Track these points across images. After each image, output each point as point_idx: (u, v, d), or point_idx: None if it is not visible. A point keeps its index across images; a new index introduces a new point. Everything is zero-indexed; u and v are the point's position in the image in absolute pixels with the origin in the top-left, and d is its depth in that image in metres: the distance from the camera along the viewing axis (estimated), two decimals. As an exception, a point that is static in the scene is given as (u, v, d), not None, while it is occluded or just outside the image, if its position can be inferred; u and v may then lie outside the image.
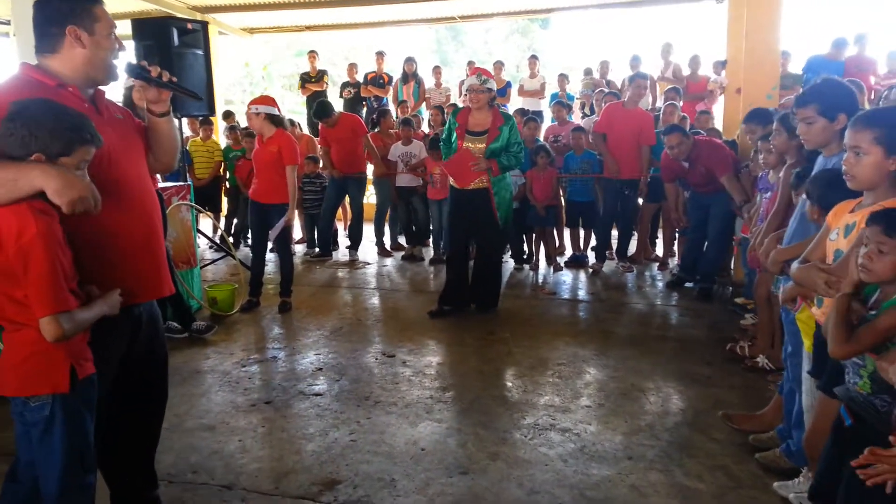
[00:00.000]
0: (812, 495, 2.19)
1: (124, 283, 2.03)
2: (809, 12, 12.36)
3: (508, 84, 10.10)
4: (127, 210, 2.08)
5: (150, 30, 5.12)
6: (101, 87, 2.13)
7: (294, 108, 19.55)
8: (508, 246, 6.96)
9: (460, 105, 7.87)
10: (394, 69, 10.64)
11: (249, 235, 8.48)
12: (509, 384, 3.90)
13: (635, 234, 7.17)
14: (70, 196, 1.75)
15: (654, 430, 3.26)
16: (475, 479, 2.83)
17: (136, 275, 2.12)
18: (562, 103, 8.04)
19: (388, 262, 7.40)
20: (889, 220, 1.76)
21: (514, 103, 9.93)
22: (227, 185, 8.43)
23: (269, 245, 5.56)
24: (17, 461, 1.98)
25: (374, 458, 3.02)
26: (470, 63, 10.47)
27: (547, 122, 8.50)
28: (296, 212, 5.61)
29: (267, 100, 5.36)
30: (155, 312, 2.32)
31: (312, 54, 10.52)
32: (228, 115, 9.51)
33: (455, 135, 5.04)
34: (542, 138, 7.34)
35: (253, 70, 23.10)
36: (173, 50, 5.05)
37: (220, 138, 9.15)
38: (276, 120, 5.23)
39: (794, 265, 2.35)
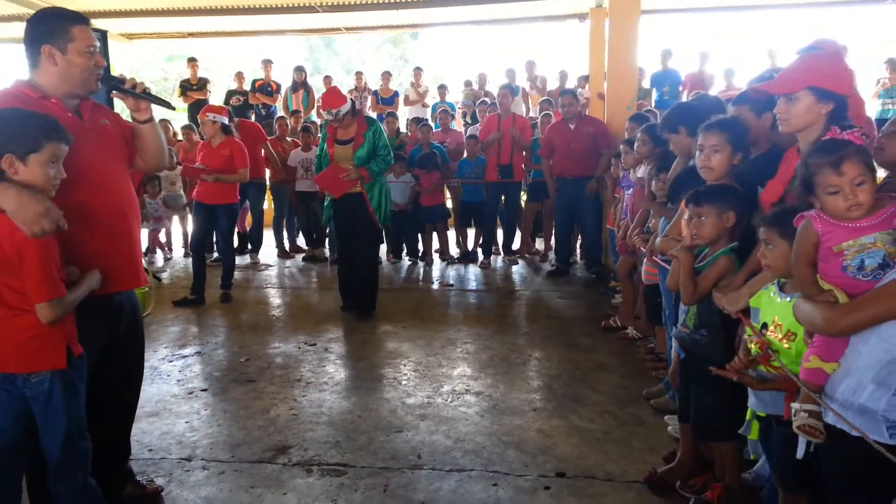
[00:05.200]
0: (679, 416, 2.88)
1: (105, 273, 2.31)
2: (667, 32, 13.95)
3: (396, 94, 10.62)
4: (107, 206, 2.36)
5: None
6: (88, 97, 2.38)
7: (165, 114, 18.90)
8: (404, 244, 7.49)
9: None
10: (279, 77, 10.79)
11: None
12: (426, 360, 4.40)
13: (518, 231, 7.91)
14: (24, 216, 1.91)
15: (551, 388, 3.90)
16: (410, 434, 3.30)
17: (115, 265, 2.39)
18: (446, 112, 8.66)
19: (289, 263, 7.68)
20: (696, 197, 2.45)
21: (401, 112, 10.46)
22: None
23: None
24: None
25: (316, 427, 3.41)
26: (358, 74, 10.90)
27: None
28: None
29: (221, 110, 5.90)
30: (134, 301, 2.60)
31: (193, 63, 10.28)
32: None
33: (326, 145, 5.33)
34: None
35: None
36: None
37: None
38: (226, 128, 5.78)
39: (658, 241, 3.03)
